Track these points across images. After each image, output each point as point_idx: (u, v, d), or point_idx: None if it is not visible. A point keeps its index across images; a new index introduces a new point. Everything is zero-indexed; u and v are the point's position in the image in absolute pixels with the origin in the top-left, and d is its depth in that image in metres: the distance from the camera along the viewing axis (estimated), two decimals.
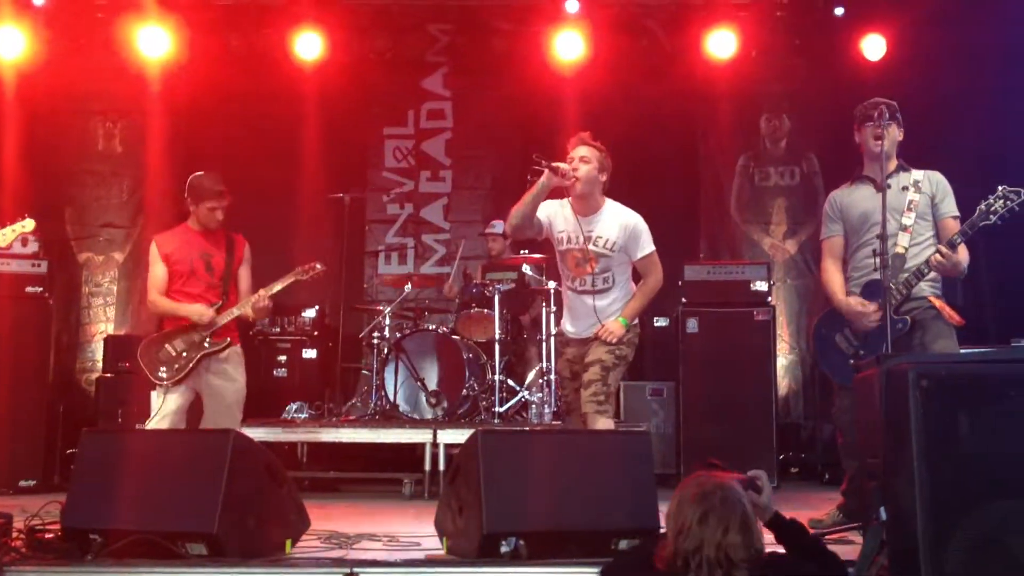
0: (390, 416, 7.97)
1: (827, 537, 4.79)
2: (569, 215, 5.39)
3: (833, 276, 5.35)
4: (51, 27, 8.89)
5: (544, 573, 3.92)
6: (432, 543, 4.52)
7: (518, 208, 5.27)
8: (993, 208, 4.84)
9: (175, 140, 9.32)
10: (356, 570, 3.93)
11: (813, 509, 5.64)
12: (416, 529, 4.99)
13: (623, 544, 4.07)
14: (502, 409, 7.83)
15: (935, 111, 7.79)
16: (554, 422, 7.67)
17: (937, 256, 4.92)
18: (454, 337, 8.25)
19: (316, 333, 8.78)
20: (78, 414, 8.11)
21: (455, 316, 8.47)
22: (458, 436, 6.94)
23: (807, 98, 9.31)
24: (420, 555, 4.36)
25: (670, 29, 9.30)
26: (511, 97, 9.70)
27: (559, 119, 8.77)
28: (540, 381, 7.95)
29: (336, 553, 4.35)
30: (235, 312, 5.86)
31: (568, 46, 9.06)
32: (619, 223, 5.36)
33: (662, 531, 3.56)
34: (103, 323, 9.28)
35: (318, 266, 5.99)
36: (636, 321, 5.52)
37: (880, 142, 5.09)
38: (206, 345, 5.78)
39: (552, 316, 8.00)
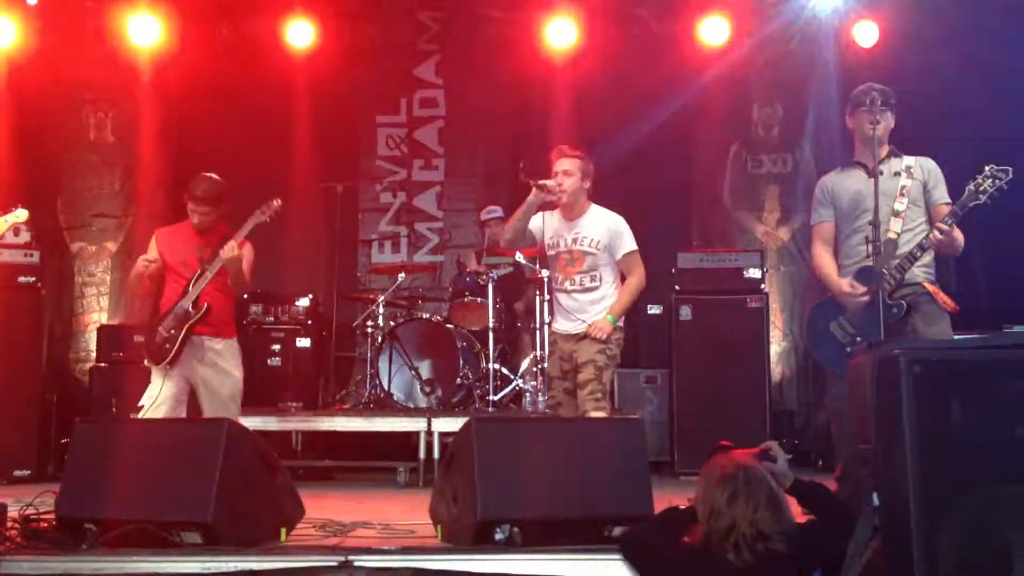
0: (384, 405, 7.98)
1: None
2: (557, 222, 5.75)
3: (825, 259, 5.33)
4: (42, 16, 8.84)
5: (538, 560, 3.93)
6: (427, 531, 4.53)
7: (511, 224, 5.71)
8: (982, 188, 4.85)
9: (167, 129, 9.31)
10: (351, 558, 3.94)
11: None
12: (411, 517, 4.99)
13: (617, 531, 4.08)
14: (496, 397, 7.84)
15: (927, 97, 7.79)
16: (547, 410, 7.68)
17: (936, 234, 4.91)
18: (448, 326, 8.26)
19: (310, 322, 8.76)
20: (72, 404, 8.09)
21: (449, 305, 8.47)
22: (452, 424, 6.95)
23: (799, 85, 9.31)
24: (415, 543, 4.36)
25: (662, 16, 9.28)
26: (503, 85, 9.70)
27: (551, 106, 8.80)
28: (534, 369, 7.95)
29: (331, 541, 4.36)
30: (208, 274, 5.83)
31: (560, 33, 9.06)
32: (603, 224, 5.69)
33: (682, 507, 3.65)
34: (96, 313, 9.26)
35: (275, 202, 5.97)
36: (621, 322, 5.70)
37: (874, 127, 5.07)
38: (190, 310, 5.80)
39: (546, 304, 7.99)
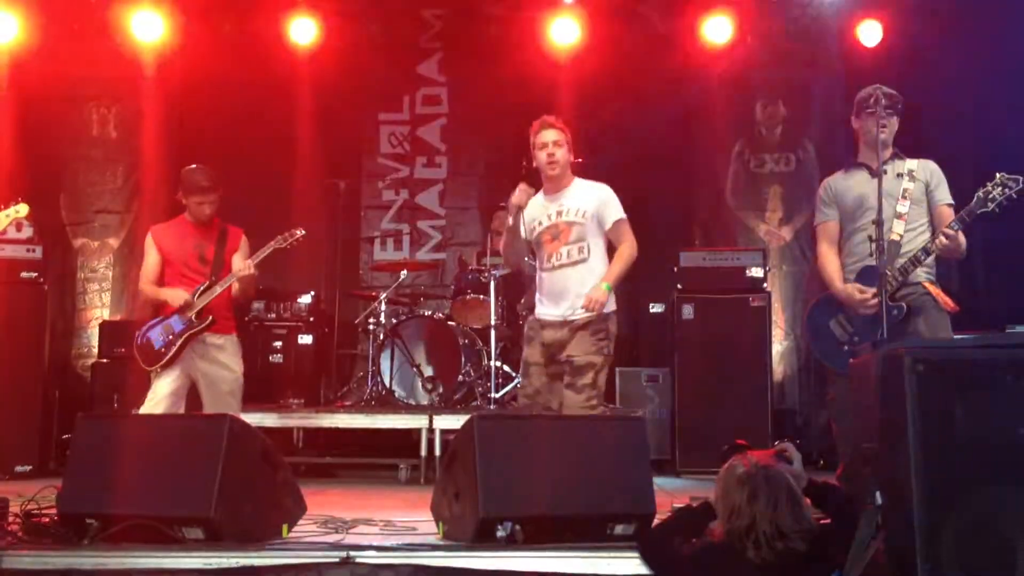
0: (386, 402, 7.98)
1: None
2: (538, 201, 5.49)
3: (830, 261, 5.34)
4: (45, 12, 8.84)
5: (540, 557, 3.93)
6: (428, 528, 4.53)
7: (510, 250, 5.62)
8: (991, 195, 4.85)
9: (169, 125, 9.29)
10: (352, 554, 3.95)
11: None
12: (412, 514, 5.00)
13: (619, 529, 4.09)
14: (498, 395, 7.84)
15: (931, 96, 7.79)
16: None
17: (942, 239, 4.92)
18: (450, 323, 8.26)
19: (312, 319, 8.77)
20: (74, 399, 8.09)
21: (450, 302, 8.47)
22: (454, 422, 6.95)
23: (803, 84, 9.30)
24: (416, 540, 4.37)
25: (665, 14, 9.28)
26: (506, 82, 9.68)
27: (555, 105, 8.73)
28: None
29: (332, 538, 4.36)
30: (218, 289, 5.88)
31: (563, 32, 9.06)
32: (589, 193, 5.48)
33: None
34: (98, 308, 9.25)
35: (299, 232, 6.01)
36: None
37: (882, 131, 5.08)
38: (193, 320, 5.82)
39: None
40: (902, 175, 5.19)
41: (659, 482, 4.05)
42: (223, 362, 5.93)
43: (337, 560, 3.94)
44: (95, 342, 8.71)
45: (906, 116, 5.30)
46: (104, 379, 8.11)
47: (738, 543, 3.35)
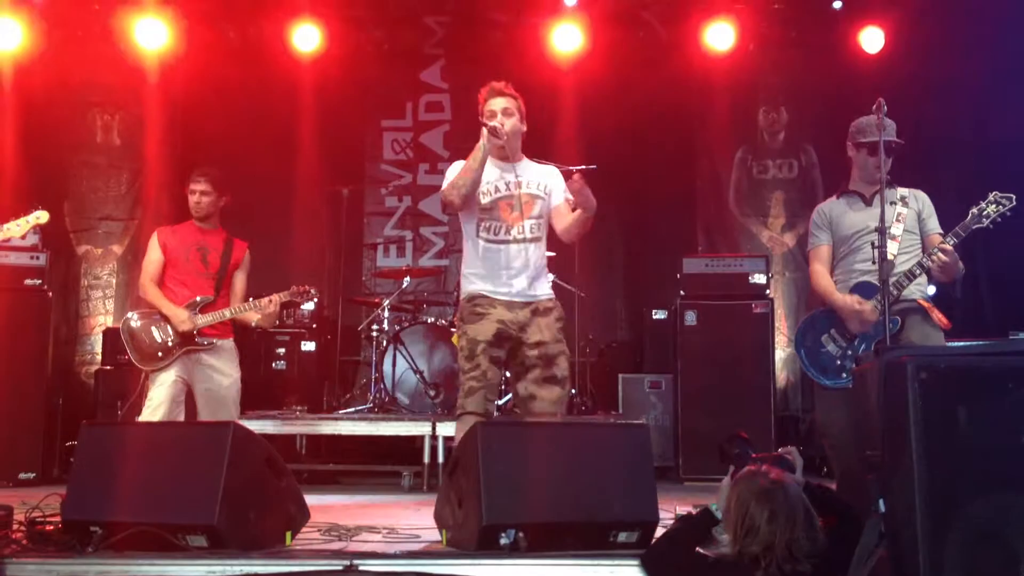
0: (389, 409, 7.98)
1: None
2: (492, 166, 5.06)
3: (824, 277, 5.37)
4: (48, 19, 8.88)
5: (543, 565, 3.93)
6: (431, 535, 4.53)
7: (465, 177, 4.90)
8: (985, 212, 4.97)
9: (173, 132, 9.34)
10: (356, 562, 3.94)
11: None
12: (415, 521, 5.00)
13: (622, 536, 4.08)
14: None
15: (931, 102, 7.81)
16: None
17: (940, 255, 4.96)
18: (452, 330, 8.25)
19: (315, 326, 8.78)
20: (77, 407, 8.11)
21: (453, 308, 8.46)
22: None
23: (805, 91, 9.31)
24: (419, 547, 4.37)
25: (668, 21, 9.30)
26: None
27: (557, 111, 8.81)
28: None
29: (336, 545, 4.36)
30: (226, 315, 5.93)
31: (566, 38, 9.07)
32: (542, 169, 5.16)
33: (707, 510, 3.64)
34: (102, 315, 9.27)
35: (312, 292, 6.10)
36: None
37: (878, 173, 5.08)
38: (193, 339, 5.87)
39: None
40: (895, 202, 5.26)
41: (662, 489, 4.05)
42: (219, 368, 5.94)
43: (340, 568, 3.93)
44: (99, 349, 8.73)
45: (905, 120, 5.34)
46: (108, 386, 8.12)
47: (749, 563, 3.32)
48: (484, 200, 5.00)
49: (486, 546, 3.97)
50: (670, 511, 4.68)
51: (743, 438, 3.95)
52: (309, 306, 8.76)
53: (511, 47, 9.40)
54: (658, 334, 8.67)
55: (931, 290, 5.43)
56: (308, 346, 8.70)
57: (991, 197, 4.96)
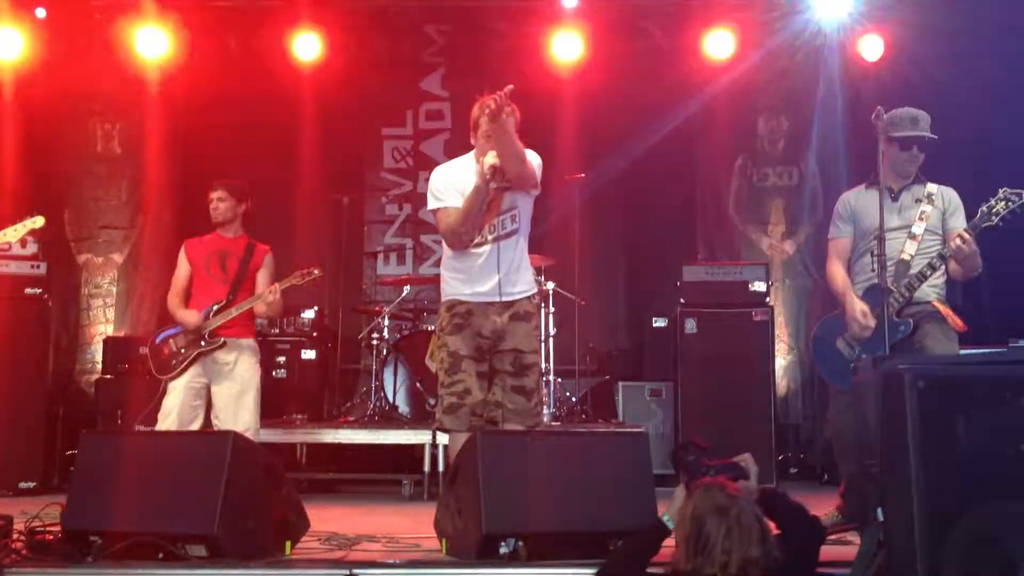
0: (389, 417, 7.97)
1: (826, 537, 4.82)
2: (462, 168, 5.01)
3: (840, 274, 5.33)
4: (50, 28, 8.87)
5: (543, 574, 3.93)
6: (432, 544, 4.53)
7: (467, 224, 4.85)
8: (995, 210, 4.90)
9: (173, 141, 9.34)
10: (356, 571, 3.94)
11: (813, 509, 5.63)
12: (416, 530, 4.99)
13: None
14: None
15: (931, 109, 7.78)
16: (553, 423, 7.68)
17: (958, 241, 4.92)
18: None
19: (315, 334, 8.78)
20: (77, 415, 8.10)
21: None
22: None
23: (805, 98, 9.30)
24: (420, 556, 4.37)
25: (668, 29, 9.30)
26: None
27: (558, 119, 8.81)
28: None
29: (336, 554, 4.36)
30: (233, 312, 5.99)
31: (566, 47, 9.06)
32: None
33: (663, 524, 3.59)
34: (102, 324, 9.27)
35: (316, 271, 6.11)
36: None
37: (910, 167, 5.17)
38: (203, 343, 5.95)
39: (551, 316, 8.02)
40: (920, 200, 5.22)
41: (662, 497, 4.04)
42: (234, 364, 6.01)
43: None
44: (99, 358, 8.73)
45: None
46: (108, 395, 8.12)
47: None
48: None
49: (486, 555, 3.98)
50: None
51: (698, 445, 3.91)
52: (309, 314, 8.77)
53: (511, 55, 9.40)
54: (658, 342, 8.66)
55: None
56: (308, 354, 8.70)
57: (1000, 194, 4.90)
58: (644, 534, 3.70)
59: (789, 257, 9.31)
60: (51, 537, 4.26)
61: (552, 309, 7.97)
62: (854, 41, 8.85)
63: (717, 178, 9.57)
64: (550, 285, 7.96)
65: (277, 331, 8.71)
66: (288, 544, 4.36)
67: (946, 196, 5.26)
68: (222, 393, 5.97)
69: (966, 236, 4.92)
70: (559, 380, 8.22)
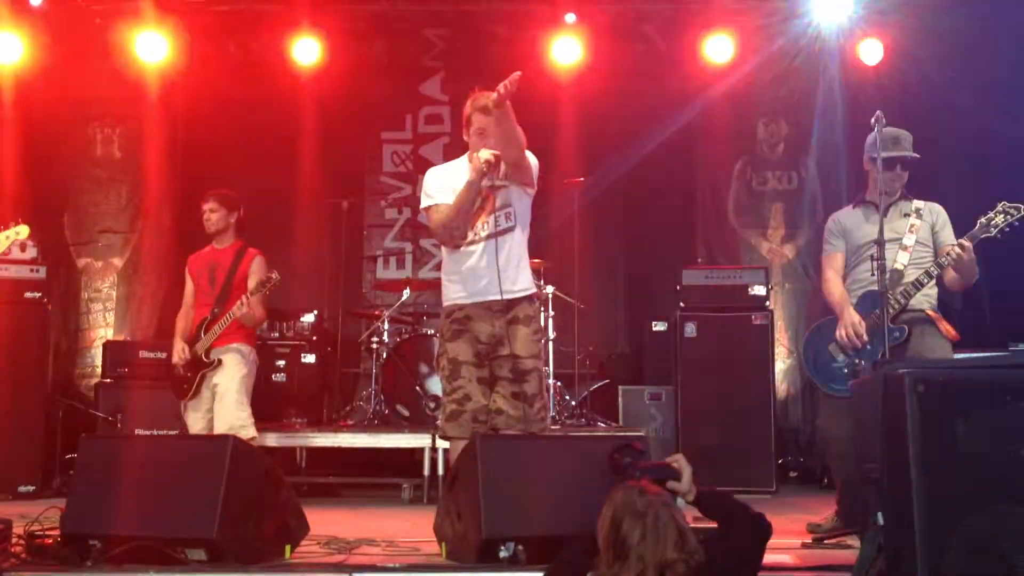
0: (389, 421, 7.98)
1: (825, 541, 4.82)
2: (446, 172, 5.01)
3: (836, 286, 5.44)
4: (49, 33, 8.89)
5: None
6: (431, 548, 4.53)
7: (459, 219, 4.78)
8: (993, 222, 4.98)
9: (173, 146, 9.35)
10: (355, 575, 3.94)
11: (812, 513, 5.65)
12: (415, 534, 5.00)
13: None
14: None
15: (930, 113, 7.81)
16: (553, 427, 7.67)
17: (958, 250, 4.97)
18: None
19: (315, 338, 8.78)
20: (77, 420, 8.08)
21: None
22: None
23: (804, 102, 9.31)
24: (419, 560, 4.36)
25: (667, 34, 9.31)
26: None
27: (557, 124, 8.82)
28: None
29: (335, 558, 4.36)
30: (216, 330, 6.15)
31: (565, 51, 9.07)
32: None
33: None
34: (102, 328, 9.27)
35: (274, 276, 6.15)
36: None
37: (896, 185, 5.30)
38: (203, 359, 6.17)
39: (551, 320, 8.01)
40: (908, 214, 5.34)
41: None
42: (217, 381, 6.16)
43: None
44: (98, 362, 8.72)
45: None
46: (107, 399, 8.09)
47: None
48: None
49: (486, 559, 3.97)
50: None
51: (634, 448, 3.87)
52: (309, 318, 8.77)
53: (511, 60, 9.36)
54: (658, 346, 8.66)
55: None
56: (308, 358, 8.69)
57: (999, 207, 4.97)
58: (579, 543, 3.60)
59: (789, 261, 9.31)
60: (50, 541, 4.26)
61: (552, 313, 7.97)
62: (853, 45, 8.87)
63: (716, 182, 9.58)
64: (550, 289, 7.95)
65: (277, 335, 8.71)
66: (288, 548, 4.37)
67: (934, 211, 5.39)
68: (209, 396, 6.19)
69: (966, 244, 4.97)
70: (559, 384, 8.22)
